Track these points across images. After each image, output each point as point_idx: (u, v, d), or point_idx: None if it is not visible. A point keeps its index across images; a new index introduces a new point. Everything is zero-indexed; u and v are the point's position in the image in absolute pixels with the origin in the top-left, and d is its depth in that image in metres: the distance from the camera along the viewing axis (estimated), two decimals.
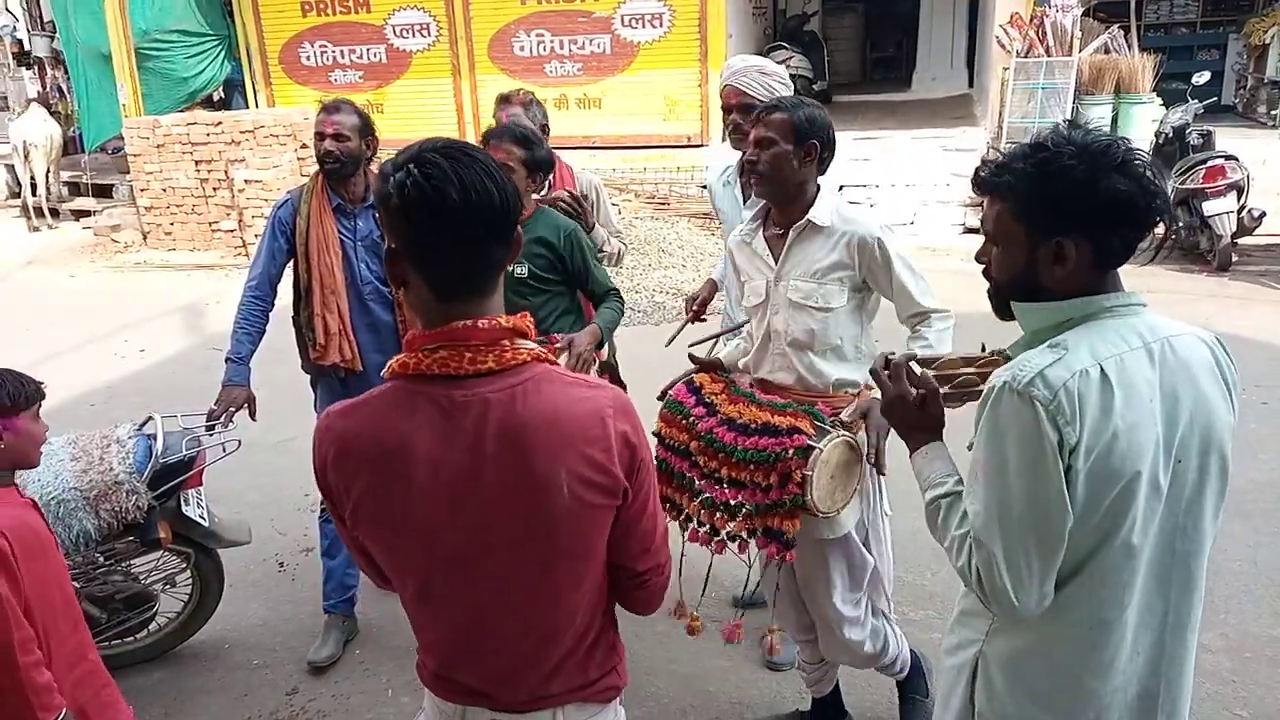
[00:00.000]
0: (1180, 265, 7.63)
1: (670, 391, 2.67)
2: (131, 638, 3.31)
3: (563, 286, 3.08)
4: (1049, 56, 9.08)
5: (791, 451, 2.28)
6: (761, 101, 2.76)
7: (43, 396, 2.30)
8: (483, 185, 1.26)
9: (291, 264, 3.34)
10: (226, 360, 3.27)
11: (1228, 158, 7.35)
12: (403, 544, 1.38)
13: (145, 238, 10.56)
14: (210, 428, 3.14)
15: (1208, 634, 3.22)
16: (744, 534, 2.42)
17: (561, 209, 3.28)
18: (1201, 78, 8.34)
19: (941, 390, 1.67)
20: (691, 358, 2.78)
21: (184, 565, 3.26)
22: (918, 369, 1.69)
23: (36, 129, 11.19)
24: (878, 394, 2.20)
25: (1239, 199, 7.31)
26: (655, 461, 2.62)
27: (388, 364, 1.35)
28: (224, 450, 3.15)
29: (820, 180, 2.52)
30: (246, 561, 3.87)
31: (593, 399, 1.36)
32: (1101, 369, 1.39)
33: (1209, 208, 7.28)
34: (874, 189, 9.47)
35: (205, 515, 3.19)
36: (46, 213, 11.56)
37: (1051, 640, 1.52)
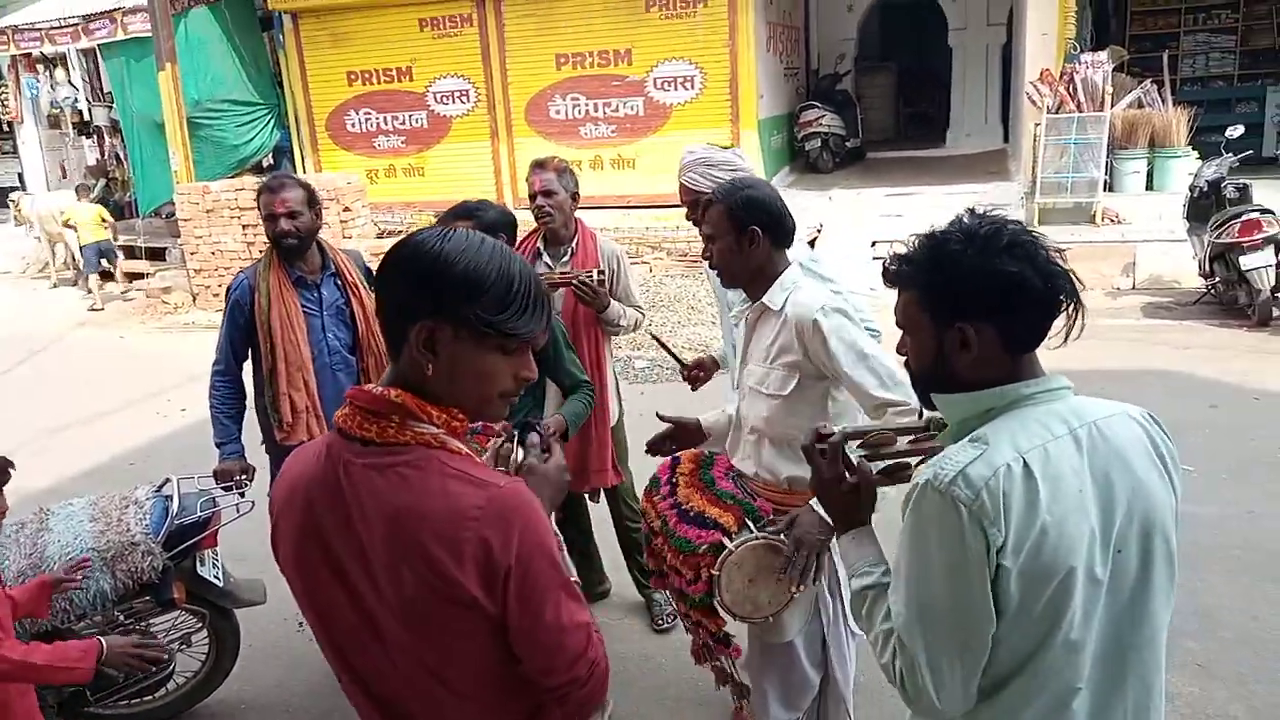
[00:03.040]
0: (1220, 320, 7.48)
1: (658, 468, 2.64)
2: (149, 696, 3.36)
3: None
4: (1080, 112, 9.08)
5: (704, 547, 2.21)
6: (705, 194, 2.67)
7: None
8: (422, 238, 1.29)
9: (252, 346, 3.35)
10: (218, 445, 3.33)
11: (1264, 211, 7.23)
12: (294, 583, 1.40)
13: (194, 299, 10.90)
14: (227, 488, 3.22)
15: (1235, 705, 3.11)
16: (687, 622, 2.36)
17: (575, 290, 3.31)
18: (1235, 131, 8.25)
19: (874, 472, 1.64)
20: (659, 416, 2.70)
21: (199, 625, 3.31)
22: (854, 453, 1.65)
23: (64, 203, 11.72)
24: (813, 505, 2.15)
25: (1278, 253, 7.18)
26: (645, 538, 2.62)
27: None
28: (238, 511, 3.22)
29: (794, 256, 2.43)
30: (264, 621, 3.91)
31: (458, 497, 1.26)
32: (1024, 462, 1.35)
33: (1246, 262, 7.15)
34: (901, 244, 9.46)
35: (220, 575, 3.25)
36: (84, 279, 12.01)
37: None
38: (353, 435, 1.31)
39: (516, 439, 1.58)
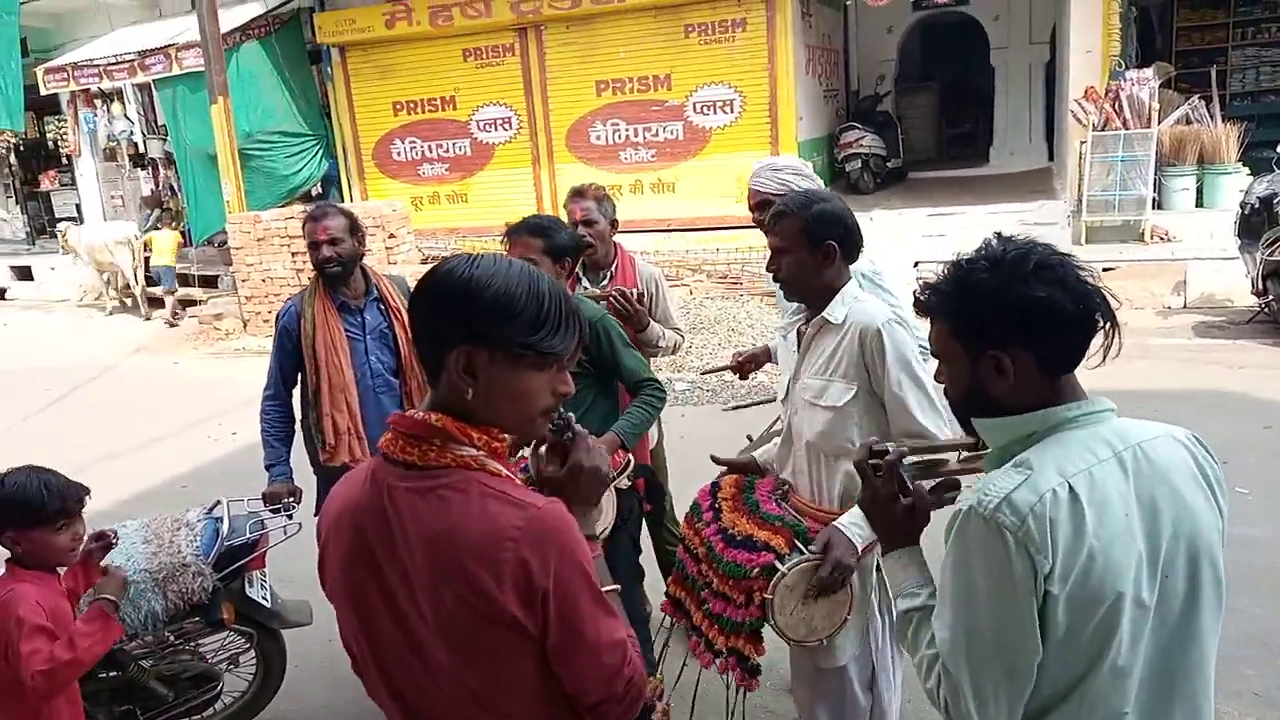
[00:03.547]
0: (1274, 339, 7.30)
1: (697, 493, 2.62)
2: (199, 716, 3.41)
3: (592, 376, 2.97)
4: (1126, 129, 8.96)
5: (756, 570, 2.17)
6: (775, 198, 2.73)
7: (65, 512, 2.45)
8: (451, 266, 1.32)
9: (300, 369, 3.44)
10: (267, 468, 3.41)
11: None
12: (340, 607, 1.42)
13: (245, 325, 11.14)
14: (275, 510, 3.29)
15: None
16: (725, 651, 2.30)
17: (612, 305, 3.31)
18: None
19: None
20: (714, 459, 2.70)
21: (247, 645, 3.37)
22: (909, 473, 1.63)
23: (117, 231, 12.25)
24: (841, 521, 2.15)
25: None
26: (676, 564, 2.60)
27: None
28: (285, 533, 3.28)
29: (855, 267, 2.41)
30: (310, 643, 3.95)
31: (500, 518, 1.27)
32: (1070, 487, 1.33)
33: None
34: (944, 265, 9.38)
35: (268, 596, 3.30)
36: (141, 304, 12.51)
37: None
38: (396, 460, 1.33)
39: (553, 436, 1.54)
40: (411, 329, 1.39)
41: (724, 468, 2.70)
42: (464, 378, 1.30)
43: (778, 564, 2.15)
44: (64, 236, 12.66)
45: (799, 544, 2.22)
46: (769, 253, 2.40)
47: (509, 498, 1.30)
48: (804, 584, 2.14)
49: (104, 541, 2.75)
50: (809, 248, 2.27)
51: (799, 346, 2.46)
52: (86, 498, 2.53)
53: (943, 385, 1.55)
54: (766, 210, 2.87)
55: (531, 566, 1.26)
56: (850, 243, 2.32)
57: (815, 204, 2.30)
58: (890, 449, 1.64)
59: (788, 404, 2.52)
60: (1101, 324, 1.40)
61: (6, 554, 2.48)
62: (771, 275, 2.39)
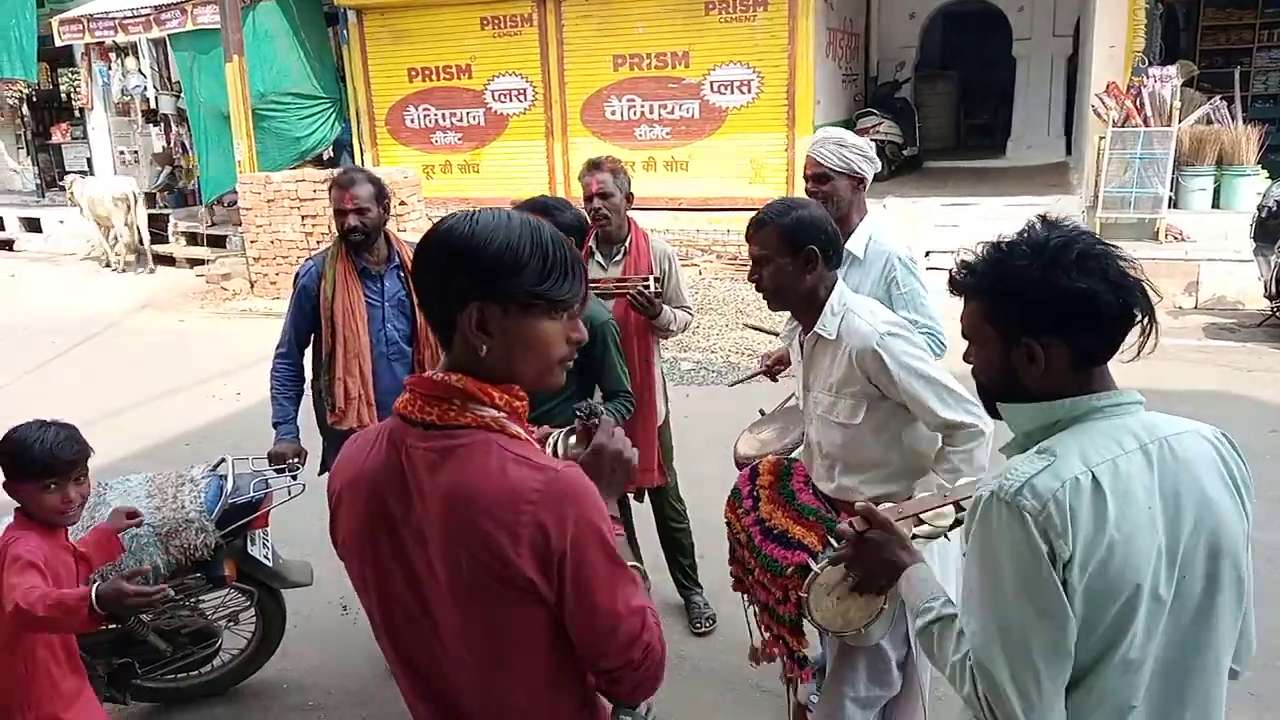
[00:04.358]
0: None
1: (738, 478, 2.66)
2: (196, 672, 3.44)
3: (573, 374, 2.98)
4: (1146, 126, 8.88)
5: (791, 569, 2.19)
6: (834, 171, 2.78)
7: (52, 471, 2.38)
8: (450, 225, 1.30)
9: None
10: (274, 425, 3.41)
11: None
12: (353, 568, 1.41)
13: (252, 286, 11.13)
14: (280, 470, 3.29)
15: None
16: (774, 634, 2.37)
17: (631, 301, 3.34)
18: None
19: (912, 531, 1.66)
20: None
21: (248, 603, 3.38)
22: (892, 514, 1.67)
23: (115, 187, 12.20)
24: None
25: None
26: (730, 546, 2.64)
27: None
28: (289, 494, 3.28)
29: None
30: (310, 603, 3.98)
31: (519, 480, 1.26)
32: (1093, 476, 1.31)
33: None
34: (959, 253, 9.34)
35: (270, 556, 3.31)
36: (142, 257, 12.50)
37: None
38: (414, 420, 1.32)
39: (581, 422, 1.55)
40: (418, 293, 1.37)
41: (737, 457, 2.75)
42: (478, 335, 1.29)
43: (811, 563, 2.15)
44: (71, 188, 12.63)
45: (831, 540, 2.22)
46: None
47: (529, 460, 1.29)
48: (836, 579, 2.14)
49: (135, 520, 2.72)
50: (790, 255, 2.26)
51: (801, 356, 2.47)
52: (83, 461, 2.48)
53: (971, 365, 1.53)
54: (823, 184, 2.90)
55: (549, 529, 1.25)
56: (832, 249, 2.30)
57: (794, 210, 2.29)
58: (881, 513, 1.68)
59: (803, 411, 2.53)
60: (1139, 318, 1.37)
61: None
62: (754, 286, 2.37)
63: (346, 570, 1.45)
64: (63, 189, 13.55)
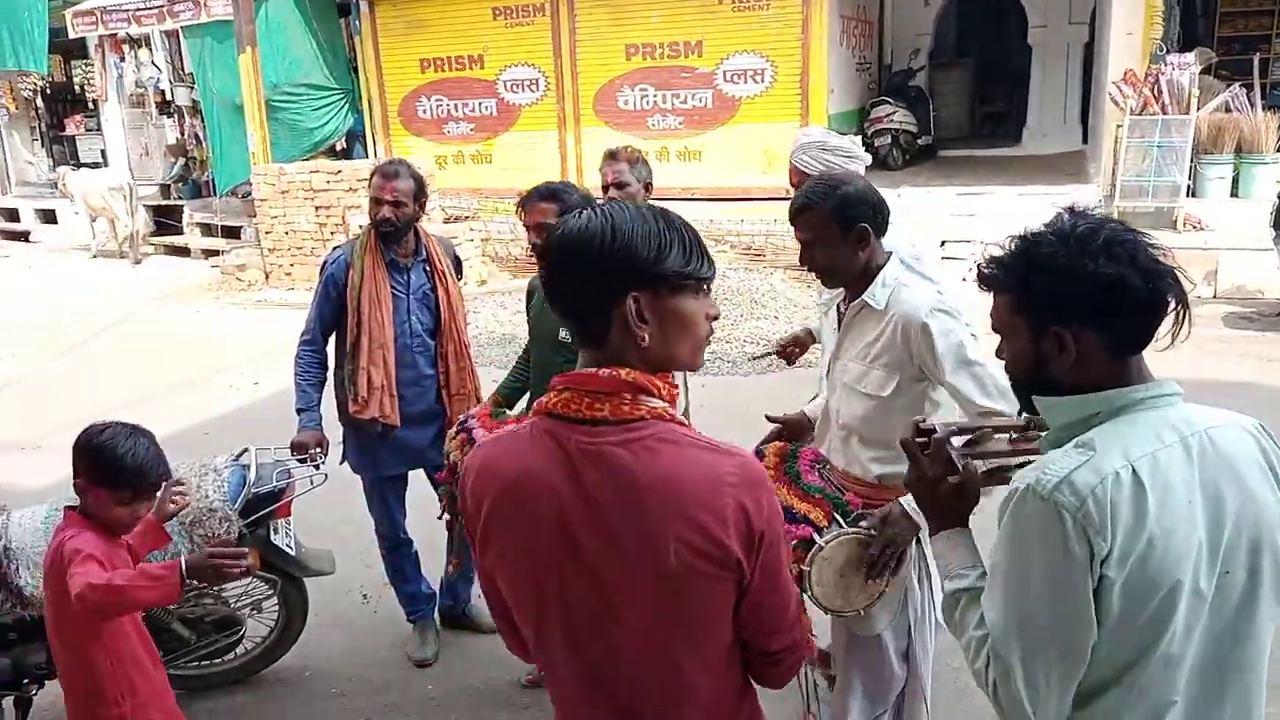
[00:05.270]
0: None
1: None
2: (219, 659, 3.46)
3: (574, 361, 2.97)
4: (1164, 114, 8.81)
5: (795, 543, 2.16)
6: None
7: (134, 489, 2.34)
8: (583, 225, 1.30)
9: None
10: (297, 412, 3.41)
11: None
12: (520, 577, 1.39)
13: (267, 277, 11.17)
14: (302, 460, 3.30)
15: None
16: None
17: None
18: None
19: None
20: (768, 417, 2.69)
21: (271, 592, 3.40)
22: (957, 454, 1.58)
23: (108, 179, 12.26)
24: (906, 498, 2.10)
25: None
26: None
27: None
28: (311, 483, 3.29)
29: (894, 250, 2.35)
30: (332, 591, 4.00)
31: (713, 464, 1.30)
32: (1134, 470, 1.29)
33: None
34: (977, 245, 9.30)
35: (292, 544, 3.32)
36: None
37: None
38: (581, 418, 1.31)
39: None
40: (562, 303, 1.36)
41: (765, 440, 2.68)
42: (639, 324, 1.30)
43: (815, 537, 2.14)
44: (62, 180, 12.66)
45: (838, 517, 2.22)
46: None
47: (714, 446, 1.33)
48: (841, 557, 2.14)
49: (180, 494, 2.60)
50: (840, 235, 2.23)
51: (839, 325, 2.43)
52: (164, 483, 2.45)
53: (1003, 360, 1.51)
54: None
55: (749, 510, 1.30)
56: (880, 219, 2.26)
57: (837, 189, 2.23)
58: (938, 427, 1.60)
59: (828, 382, 2.49)
60: (1173, 305, 1.35)
61: (69, 501, 2.46)
62: (807, 268, 2.34)
63: (503, 586, 1.43)
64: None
